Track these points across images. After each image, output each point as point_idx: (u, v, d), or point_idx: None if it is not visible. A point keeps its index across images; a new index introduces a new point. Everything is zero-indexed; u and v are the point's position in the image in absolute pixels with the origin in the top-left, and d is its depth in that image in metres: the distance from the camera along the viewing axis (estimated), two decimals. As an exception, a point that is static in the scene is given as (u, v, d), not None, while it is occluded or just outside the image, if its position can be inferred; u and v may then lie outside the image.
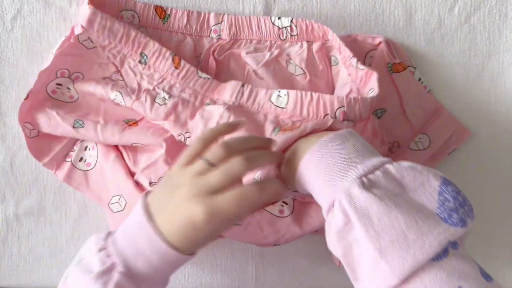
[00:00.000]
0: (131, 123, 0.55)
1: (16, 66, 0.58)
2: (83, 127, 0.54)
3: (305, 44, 0.56)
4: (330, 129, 0.47)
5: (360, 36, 0.57)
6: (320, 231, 0.56)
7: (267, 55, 0.56)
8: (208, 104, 0.53)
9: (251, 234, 0.54)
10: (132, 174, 0.56)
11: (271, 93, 0.53)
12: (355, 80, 0.53)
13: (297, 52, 0.56)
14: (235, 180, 0.42)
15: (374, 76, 0.50)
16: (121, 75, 0.55)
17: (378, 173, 0.40)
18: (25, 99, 0.53)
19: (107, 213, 0.57)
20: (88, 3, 0.52)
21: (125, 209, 0.55)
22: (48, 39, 0.58)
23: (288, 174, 0.46)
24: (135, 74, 0.55)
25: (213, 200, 0.41)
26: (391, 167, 0.40)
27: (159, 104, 0.53)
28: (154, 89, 0.54)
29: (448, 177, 0.40)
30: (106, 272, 0.42)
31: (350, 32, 0.58)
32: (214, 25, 0.57)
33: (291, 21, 0.56)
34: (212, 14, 0.57)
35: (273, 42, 0.57)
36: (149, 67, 0.54)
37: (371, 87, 0.51)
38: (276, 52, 0.56)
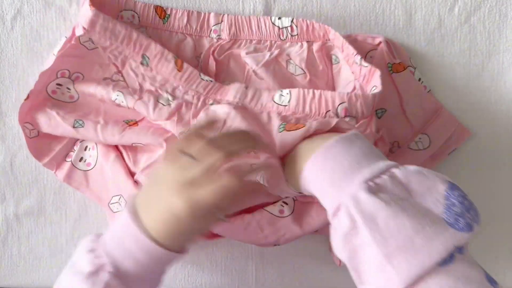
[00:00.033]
0: (131, 123, 0.55)
1: (16, 66, 0.58)
2: (83, 127, 0.54)
3: (305, 44, 0.56)
4: (334, 129, 0.47)
5: (360, 36, 0.57)
6: (320, 231, 0.56)
7: (267, 55, 0.56)
8: (212, 104, 0.53)
9: (251, 234, 0.54)
10: (132, 174, 0.56)
11: (274, 93, 0.53)
12: (359, 78, 0.53)
13: (297, 52, 0.56)
14: (218, 174, 0.42)
15: (377, 73, 0.50)
16: (122, 76, 0.55)
17: (384, 177, 0.40)
18: (25, 100, 0.53)
19: (107, 213, 0.57)
20: (89, 5, 0.52)
21: (125, 209, 0.55)
22: (48, 39, 0.58)
23: (292, 175, 0.46)
24: (136, 75, 0.55)
25: (193, 192, 0.41)
26: (397, 172, 0.40)
27: (163, 104, 0.53)
28: (156, 90, 0.54)
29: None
30: (95, 272, 0.42)
31: (350, 32, 0.58)
32: (214, 25, 0.57)
33: (292, 21, 0.56)
34: (212, 14, 0.57)
35: (273, 42, 0.57)
36: (151, 69, 0.54)
37: (374, 84, 0.51)
38: (276, 52, 0.56)
